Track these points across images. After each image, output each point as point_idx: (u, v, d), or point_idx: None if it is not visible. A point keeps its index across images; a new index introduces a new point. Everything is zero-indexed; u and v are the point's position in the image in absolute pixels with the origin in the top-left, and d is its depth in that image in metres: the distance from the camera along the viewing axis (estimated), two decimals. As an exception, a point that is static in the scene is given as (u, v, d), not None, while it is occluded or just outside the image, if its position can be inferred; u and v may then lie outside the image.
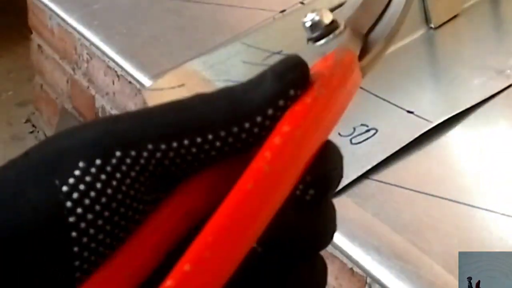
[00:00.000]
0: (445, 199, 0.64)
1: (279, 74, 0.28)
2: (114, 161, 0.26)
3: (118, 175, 0.26)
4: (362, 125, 0.72)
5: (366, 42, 0.34)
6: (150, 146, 0.27)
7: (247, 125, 0.27)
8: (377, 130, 0.71)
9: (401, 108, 0.74)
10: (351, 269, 0.87)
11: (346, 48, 0.32)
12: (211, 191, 0.29)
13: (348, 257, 0.61)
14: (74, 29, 1.10)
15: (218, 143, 0.27)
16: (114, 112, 1.24)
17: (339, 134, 0.71)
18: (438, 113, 0.72)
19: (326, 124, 0.28)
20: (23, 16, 1.58)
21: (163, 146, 0.27)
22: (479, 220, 0.61)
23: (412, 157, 0.69)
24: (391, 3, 0.36)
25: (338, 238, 0.62)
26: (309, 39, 0.34)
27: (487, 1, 0.89)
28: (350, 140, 0.70)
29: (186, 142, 0.27)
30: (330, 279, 0.92)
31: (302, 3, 0.78)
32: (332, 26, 0.33)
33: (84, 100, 1.38)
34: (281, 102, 0.28)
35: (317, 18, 0.33)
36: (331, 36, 0.33)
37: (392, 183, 0.66)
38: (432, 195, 0.64)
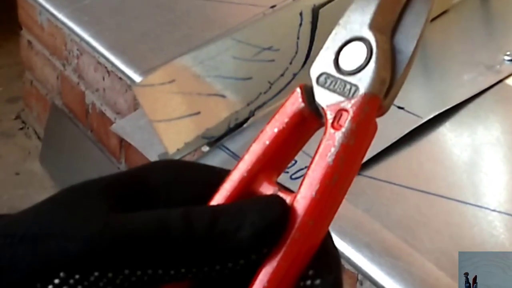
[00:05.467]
0: (436, 195, 0.64)
1: (257, 232, 0.29)
2: (91, 278, 0.28)
3: None
4: (352, 121, 0.72)
5: (393, 59, 0.32)
6: (126, 271, 0.29)
7: (218, 267, 0.29)
8: (367, 126, 0.71)
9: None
10: (342, 265, 0.87)
11: (372, 96, 0.32)
12: None
13: (340, 253, 0.61)
14: (64, 24, 1.10)
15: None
16: (104, 108, 1.24)
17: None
18: (429, 109, 0.72)
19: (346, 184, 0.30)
20: (13, 11, 1.58)
21: (138, 272, 0.29)
22: (470, 216, 0.61)
23: (402, 153, 0.69)
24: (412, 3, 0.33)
25: (329, 234, 0.62)
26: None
27: (477, -3, 0.89)
28: (341, 136, 0.70)
29: (160, 271, 0.29)
30: (322, 275, 0.92)
31: (292, -2, 0.78)
32: (362, 64, 0.32)
33: (74, 96, 1.38)
34: (253, 257, 0.30)
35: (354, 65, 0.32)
36: (362, 70, 0.32)
37: (383, 179, 0.66)
38: (423, 191, 0.64)
